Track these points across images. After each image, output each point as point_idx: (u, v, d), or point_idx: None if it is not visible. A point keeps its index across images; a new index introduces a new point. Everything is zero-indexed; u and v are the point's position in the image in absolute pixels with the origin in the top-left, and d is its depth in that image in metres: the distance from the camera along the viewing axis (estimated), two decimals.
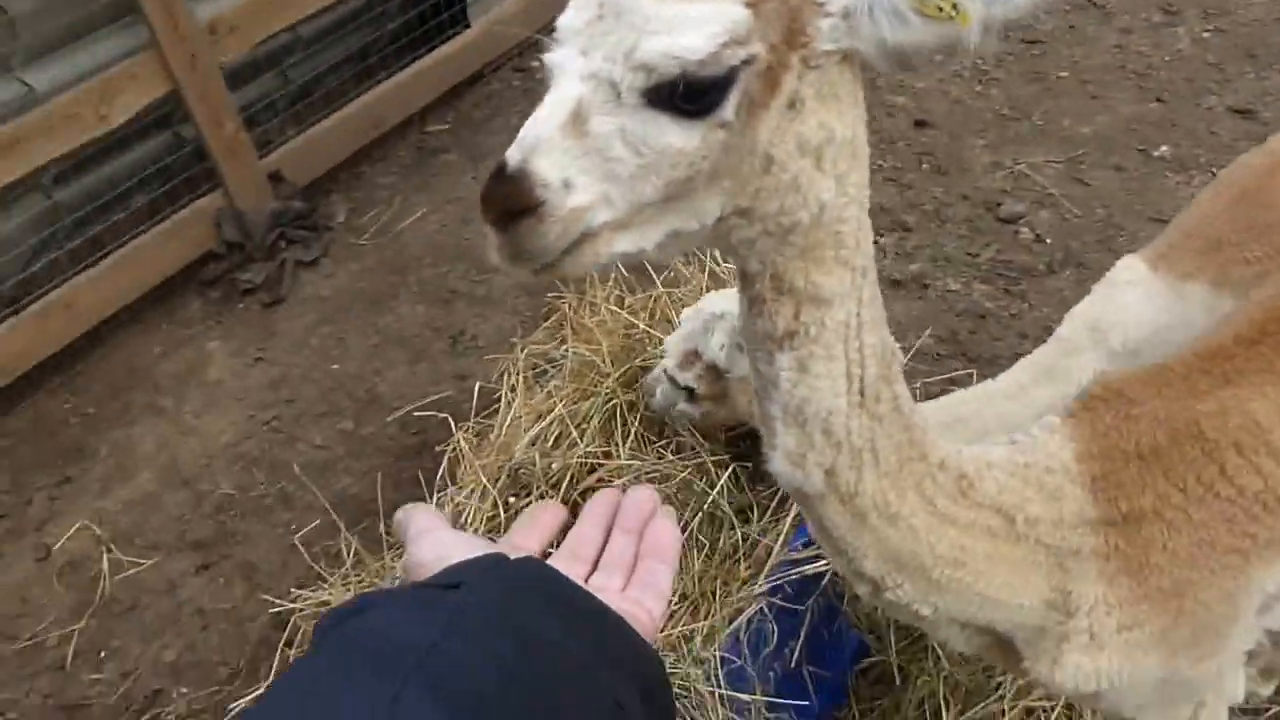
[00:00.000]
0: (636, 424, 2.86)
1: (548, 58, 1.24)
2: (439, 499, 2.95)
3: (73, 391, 4.67)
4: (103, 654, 3.65)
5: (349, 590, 2.64)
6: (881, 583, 1.65)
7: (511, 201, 1.19)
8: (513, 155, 1.20)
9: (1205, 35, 6.03)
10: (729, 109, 1.21)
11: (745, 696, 2.46)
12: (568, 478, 2.82)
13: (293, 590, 3.28)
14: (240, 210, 5.09)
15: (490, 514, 2.78)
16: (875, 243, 1.45)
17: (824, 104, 1.27)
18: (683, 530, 2.64)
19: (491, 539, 2.12)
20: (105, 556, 3.90)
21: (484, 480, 2.84)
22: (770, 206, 1.31)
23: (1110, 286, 2.37)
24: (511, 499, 2.83)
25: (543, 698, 0.90)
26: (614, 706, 0.95)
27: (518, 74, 6.46)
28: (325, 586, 2.98)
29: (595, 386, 2.97)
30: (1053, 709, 2.90)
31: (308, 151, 5.46)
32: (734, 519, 2.69)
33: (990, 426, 2.35)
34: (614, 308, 3.11)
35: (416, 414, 4.04)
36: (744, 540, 2.68)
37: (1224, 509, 1.70)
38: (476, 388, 3.40)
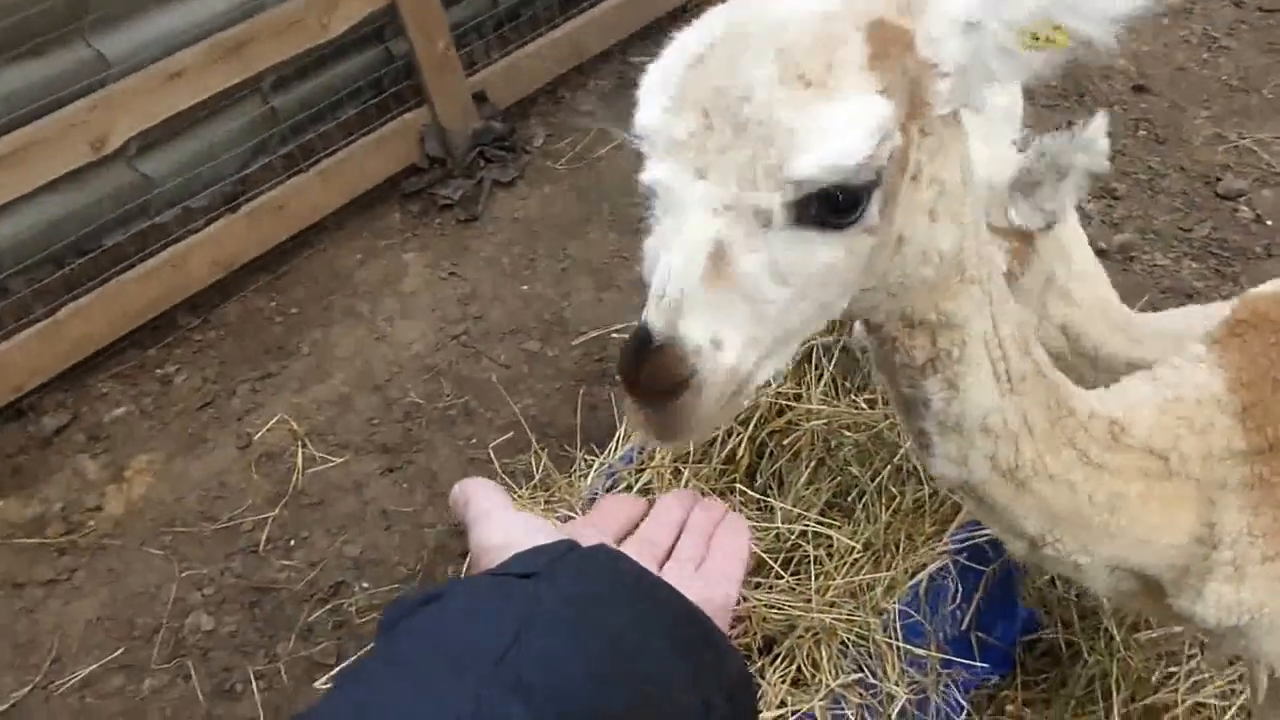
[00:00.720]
0: (831, 367, 2.84)
1: (647, 177, 1.10)
2: (626, 427, 3.00)
3: (278, 291, 4.89)
4: (292, 542, 3.85)
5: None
6: (1040, 540, 1.64)
7: (664, 380, 1.06)
8: (654, 321, 1.06)
9: None
10: (875, 211, 1.11)
11: (921, 652, 2.45)
12: (756, 417, 2.83)
13: None
14: (444, 127, 5.22)
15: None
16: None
17: (933, 162, 1.19)
18: (872, 479, 2.63)
19: (562, 522, 2.08)
20: (300, 451, 4.10)
21: None
22: (893, 276, 1.24)
23: None
24: None
25: (628, 695, 0.86)
26: (702, 706, 0.91)
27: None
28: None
29: None
30: (1226, 709, 2.81)
31: (511, 74, 5.54)
32: (923, 474, 2.66)
33: None
34: None
35: (602, 340, 4.09)
36: (930, 496, 2.65)
37: None
38: None
